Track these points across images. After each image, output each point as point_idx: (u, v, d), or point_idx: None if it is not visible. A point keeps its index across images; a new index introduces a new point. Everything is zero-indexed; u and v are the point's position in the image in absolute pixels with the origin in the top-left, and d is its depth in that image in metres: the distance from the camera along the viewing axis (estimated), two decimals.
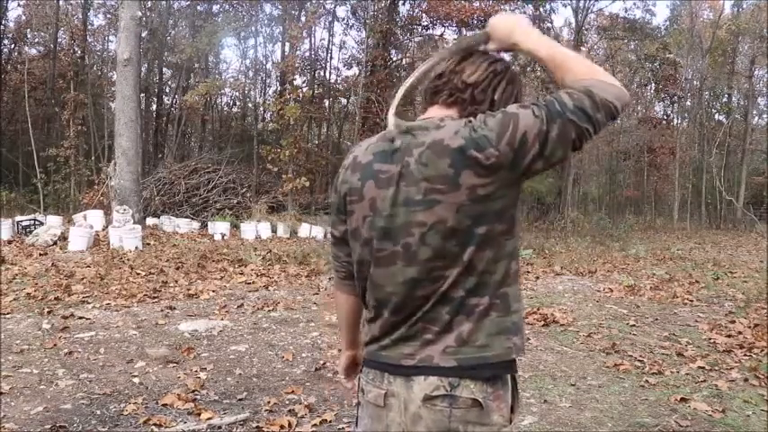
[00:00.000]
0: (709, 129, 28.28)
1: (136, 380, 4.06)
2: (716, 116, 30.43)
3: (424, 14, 21.04)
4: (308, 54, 22.63)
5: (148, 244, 10.73)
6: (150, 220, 13.69)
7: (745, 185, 27.98)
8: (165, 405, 3.59)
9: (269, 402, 3.69)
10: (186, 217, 14.77)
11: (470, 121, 1.28)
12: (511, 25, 1.38)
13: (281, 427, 3.32)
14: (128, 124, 12.39)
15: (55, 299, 6.33)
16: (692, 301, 7.38)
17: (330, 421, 3.43)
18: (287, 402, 3.72)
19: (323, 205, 17.47)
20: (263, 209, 15.39)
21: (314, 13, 19.41)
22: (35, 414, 3.44)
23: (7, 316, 5.61)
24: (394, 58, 21.91)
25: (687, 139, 29.39)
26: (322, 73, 24.72)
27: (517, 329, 1.33)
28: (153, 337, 5.16)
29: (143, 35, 17.15)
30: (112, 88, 17.14)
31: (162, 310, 6.10)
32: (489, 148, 1.23)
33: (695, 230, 23.89)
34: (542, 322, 5.96)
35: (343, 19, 27.02)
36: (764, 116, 33.35)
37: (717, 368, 4.54)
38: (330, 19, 23.21)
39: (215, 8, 22.49)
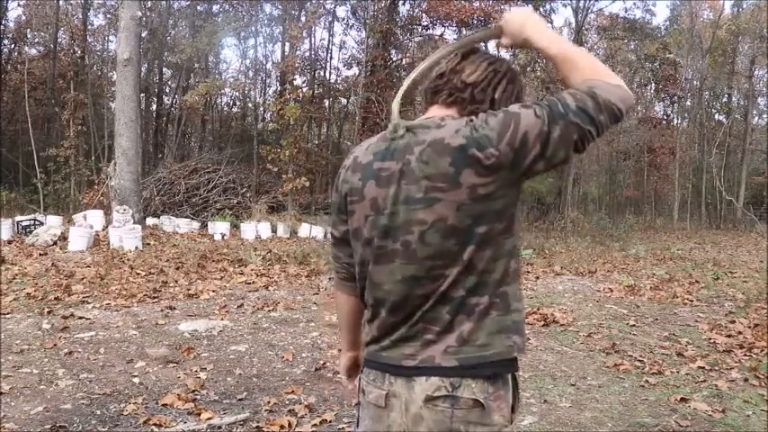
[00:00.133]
0: (709, 129, 28.28)
1: (136, 380, 4.06)
2: (716, 116, 30.45)
3: (423, 14, 21.03)
4: (308, 54, 22.63)
5: (148, 244, 10.73)
6: (150, 220, 13.69)
7: (745, 185, 27.99)
8: (165, 405, 3.59)
9: (269, 402, 3.69)
10: (186, 217, 14.77)
11: (472, 120, 1.28)
12: (523, 20, 1.37)
13: (281, 427, 3.32)
14: (128, 124, 12.39)
15: (55, 299, 6.33)
16: (692, 301, 7.38)
17: (330, 421, 3.42)
18: (287, 402, 3.72)
19: (323, 205, 17.47)
20: (263, 209, 15.39)
21: (314, 13, 19.40)
22: (35, 414, 3.44)
23: (7, 316, 5.61)
24: (394, 58, 21.89)
25: (687, 139, 29.40)
26: (322, 73, 24.75)
27: (517, 328, 1.33)
28: (153, 337, 5.16)
29: (143, 35, 17.15)
30: (112, 88, 17.14)
31: (162, 310, 6.10)
32: (490, 148, 1.23)
33: (695, 230, 23.89)
34: (542, 322, 5.96)
35: (343, 19, 27.12)
36: (764, 116, 33.42)
37: (717, 368, 4.54)
38: (330, 19, 23.25)
39: (215, 8, 22.51)
